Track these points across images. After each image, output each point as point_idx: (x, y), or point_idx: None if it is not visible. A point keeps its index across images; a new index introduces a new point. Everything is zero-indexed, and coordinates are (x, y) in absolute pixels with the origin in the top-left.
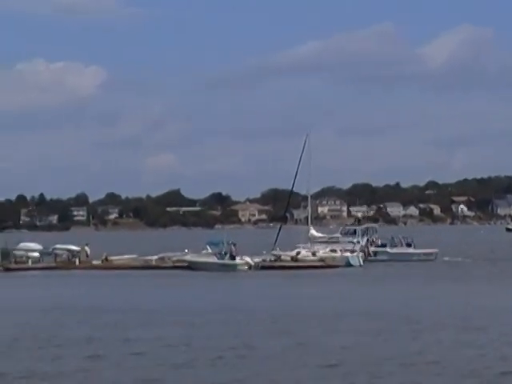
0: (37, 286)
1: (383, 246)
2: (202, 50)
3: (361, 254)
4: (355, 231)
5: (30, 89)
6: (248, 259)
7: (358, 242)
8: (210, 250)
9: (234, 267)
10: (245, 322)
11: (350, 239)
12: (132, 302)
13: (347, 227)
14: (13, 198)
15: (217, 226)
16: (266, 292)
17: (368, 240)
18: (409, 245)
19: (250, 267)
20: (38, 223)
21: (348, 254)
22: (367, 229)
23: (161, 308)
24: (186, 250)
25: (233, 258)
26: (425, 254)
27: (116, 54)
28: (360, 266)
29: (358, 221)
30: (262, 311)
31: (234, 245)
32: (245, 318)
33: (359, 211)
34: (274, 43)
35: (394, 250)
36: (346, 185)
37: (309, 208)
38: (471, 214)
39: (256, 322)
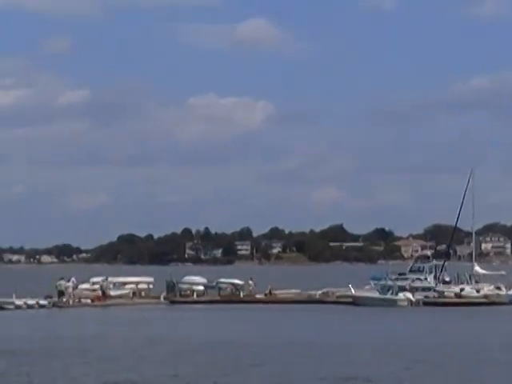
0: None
1: (448, 283)
2: (370, 83)
3: None
4: (423, 268)
5: (199, 123)
6: (409, 295)
7: (426, 279)
8: (372, 286)
9: (394, 303)
10: None
11: (418, 276)
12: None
13: (416, 264)
14: (179, 231)
15: (380, 262)
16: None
17: (436, 277)
18: (476, 282)
19: (412, 303)
20: (202, 257)
21: None
22: (435, 266)
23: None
24: (350, 285)
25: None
26: None
27: (283, 88)
28: None
29: (427, 258)
30: None
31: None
32: None
33: None
34: (439, 78)
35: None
36: (510, 221)
37: (473, 244)
38: None
39: None
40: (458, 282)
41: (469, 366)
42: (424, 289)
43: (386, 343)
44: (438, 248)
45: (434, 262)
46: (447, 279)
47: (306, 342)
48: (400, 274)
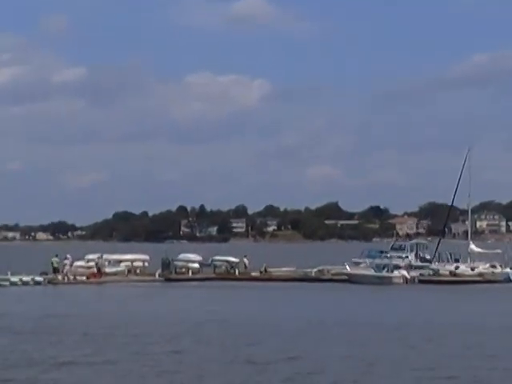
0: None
1: (428, 261)
2: (368, 63)
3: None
4: (404, 246)
5: (196, 101)
6: (404, 273)
7: (407, 257)
8: (367, 263)
9: (389, 280)
10: None
11: (399, 254)
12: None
13: (397, 242)
14: (174, 208)
15: (375, 240)
16: None
17: (417, 255)
18: (457, 260)
19: (407, 281)
20: (197, 234)
21: (508, 269)
22: (417, 244)
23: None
24: (346, 263)
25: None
26: None
27: (280, 66)
28: None
29: (409, 236)
30: None
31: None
32: None
33: None
34: (440, 57)
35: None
36: (505, 199)
37: (469, 223)
38: None
39: None
40: (439, 260)
41: (471, 344)
42: (420, 267)
43: (383, 321)
44: (419, 225)
45: (416, 240)
46: (427, 257)
47: (304, 320)
48: (382, 252)
